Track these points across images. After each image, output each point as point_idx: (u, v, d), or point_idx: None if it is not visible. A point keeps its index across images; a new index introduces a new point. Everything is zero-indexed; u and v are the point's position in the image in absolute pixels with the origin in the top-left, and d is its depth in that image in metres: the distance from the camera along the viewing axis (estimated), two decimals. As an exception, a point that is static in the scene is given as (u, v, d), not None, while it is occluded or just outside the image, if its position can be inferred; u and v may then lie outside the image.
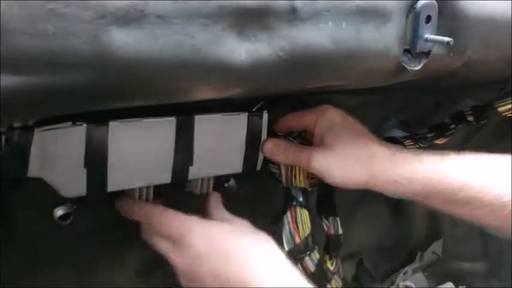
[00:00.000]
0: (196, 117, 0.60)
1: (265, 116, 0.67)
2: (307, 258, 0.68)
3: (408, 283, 1.05)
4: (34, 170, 0.50)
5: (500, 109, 0.77)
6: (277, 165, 0.71)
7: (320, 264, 0.69)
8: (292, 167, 0.70)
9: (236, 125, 0.65)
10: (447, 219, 1.14)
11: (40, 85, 0.36)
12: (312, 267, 0.68)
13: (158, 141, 0.58)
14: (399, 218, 1.09)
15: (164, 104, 0.48)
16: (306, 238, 0.67)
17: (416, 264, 1.11)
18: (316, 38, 0.48)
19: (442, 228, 1.17)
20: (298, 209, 0.68)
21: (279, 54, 0.46)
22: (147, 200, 0.63)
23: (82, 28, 0.35)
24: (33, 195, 0.57)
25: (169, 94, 0.45)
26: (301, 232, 0.67)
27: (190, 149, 0.61)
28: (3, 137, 0.47)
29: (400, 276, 1.07)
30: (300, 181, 0.70)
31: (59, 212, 0.61)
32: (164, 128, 0.58)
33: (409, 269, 1.09)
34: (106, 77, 0.38)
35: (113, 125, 0.53)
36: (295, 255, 0.67)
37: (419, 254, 1.12)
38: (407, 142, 0.82)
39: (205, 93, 0.46)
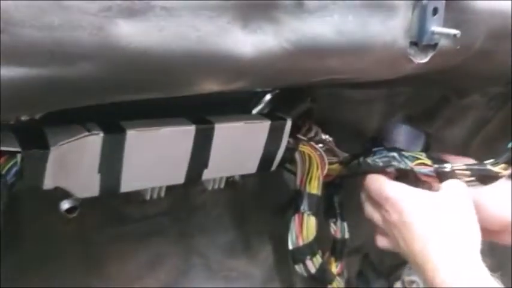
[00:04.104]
0: (217, 125, 0.58)
1: (288, 123, 0.65)
2: (308, 261, 0.69)
3: (413, 278, 1.04)
4: (49, 183, 0.50)
5: None
6: (294, 166, 0.70)
7: (322, 267, 0.71)
8: (308, 171, 0.70)
9: (257, 132, 0.63)
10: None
11: (46, 78, 0.36)
12: (312, 270, 0.70)
13: (175, 148, 0.57)
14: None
15: (175, 100, 0.47)
16: (310, 243, 0.69)
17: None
18: (323, 30, 0.48)
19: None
20: (305, 215, 0.69)
21: (285, 46, 0.46)
22: (158, 197, 0.63)
23: (87, 20, 0.35)
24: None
25: (175, 86, 0.44)
26: (305, 237, 0.68)
27: (207, 155, 0.60)
28: (19, 156, 0.47)
29: (406, 271, 1.06)
30: (314, 187, 0.70)
31: (65, 205, 0.61)
32: (183, 137, 0.57)
33: (414, 264, 1.08)
34: (111, 69, 0.38)
35: (131, 134, 0.52)
36: (297, 256, 0.69)
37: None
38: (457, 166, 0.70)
39: (211, 86, 0.46)
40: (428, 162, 0.68)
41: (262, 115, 0.66)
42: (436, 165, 0.68)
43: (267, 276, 0.82)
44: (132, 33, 0.37)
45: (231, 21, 0.43)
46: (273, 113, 0.67)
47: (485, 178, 0.66)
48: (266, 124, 0.63)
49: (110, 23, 0.36)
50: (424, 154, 0.71)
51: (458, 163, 0.68)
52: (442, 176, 0.67)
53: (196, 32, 0.40)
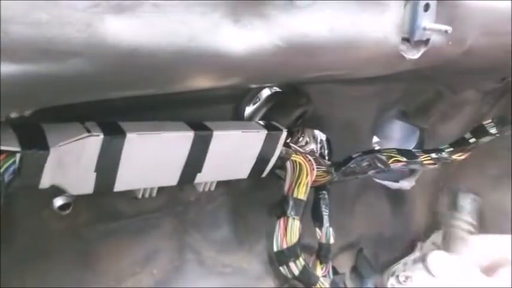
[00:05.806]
0: (215, 133, 0.59)
1: (284, 133, 0.66)
2: (292, 263, 0.72)
3: (408, 273, 1.05)
4: (46, 182, 0.50)
5: None
6: (284, 172, 0.73)
7: (304, 269, 0.74)
8: (297, 178, 0.72)
9: (253, 141, 0.64)
10: (447, 210, 1.14)
11: (35, 74, 0.36)
12: (296, 272, 0.73)
13: (172, 152, 0.58)
14: (399, 208, 1.09)
15: (171, 99, 0.47)
16: (293, 246, 0.71)
17: (416, 255, 1.10)
18: (314, 26, 0.48)
19: (441, 218, 1.17)
20: (290, 219, 0.71)
21: (276, 42, 0.46)
22: (150, 196, 0.63)
23: (76, 16, 0.35)
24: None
25: (166, 83, 0.44)
26: (288, 240, 0.71)
27: (202, 160, 0.61)
28: (17, 155, 0.46)
29: (400, 266, 1.07)
30: (301, 192, 0.72)
31: (59, 202, 0.61)
32: (181, 142, 0.58)
33: (409, 259, 1.09)
34: (101, 66, 0.38)
35: (130, 137, 0.53)
36: (281, 259, 0.72)
37: (419, 244, 1.12)
38: (424, 157, 0.80)
39: (202, 83, 0.46)
40: (401, 158, 0.78)
41: (259, 124, 0.67)
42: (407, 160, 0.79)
43: (261, 272, 0.83)
44: (122, 29, 0.37)
45: (223, 16, 0.42)
46: (269, 123, 0.68)
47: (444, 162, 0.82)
48: (262, 134, 0.64)
49: (98, 19, 0.36)
50: (396, 151, 0.79)
51: None
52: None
53: (187, 29, 0.40)
